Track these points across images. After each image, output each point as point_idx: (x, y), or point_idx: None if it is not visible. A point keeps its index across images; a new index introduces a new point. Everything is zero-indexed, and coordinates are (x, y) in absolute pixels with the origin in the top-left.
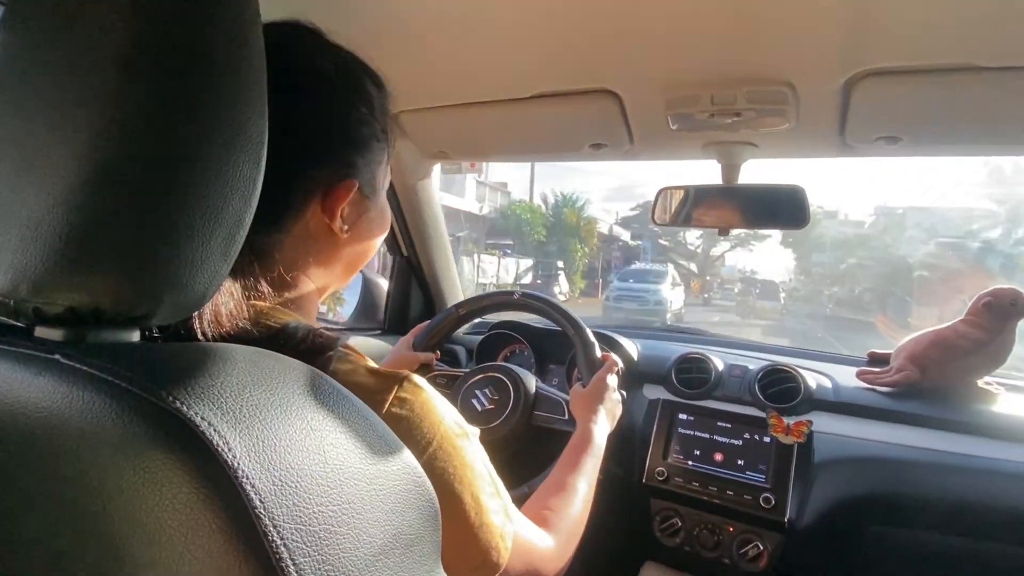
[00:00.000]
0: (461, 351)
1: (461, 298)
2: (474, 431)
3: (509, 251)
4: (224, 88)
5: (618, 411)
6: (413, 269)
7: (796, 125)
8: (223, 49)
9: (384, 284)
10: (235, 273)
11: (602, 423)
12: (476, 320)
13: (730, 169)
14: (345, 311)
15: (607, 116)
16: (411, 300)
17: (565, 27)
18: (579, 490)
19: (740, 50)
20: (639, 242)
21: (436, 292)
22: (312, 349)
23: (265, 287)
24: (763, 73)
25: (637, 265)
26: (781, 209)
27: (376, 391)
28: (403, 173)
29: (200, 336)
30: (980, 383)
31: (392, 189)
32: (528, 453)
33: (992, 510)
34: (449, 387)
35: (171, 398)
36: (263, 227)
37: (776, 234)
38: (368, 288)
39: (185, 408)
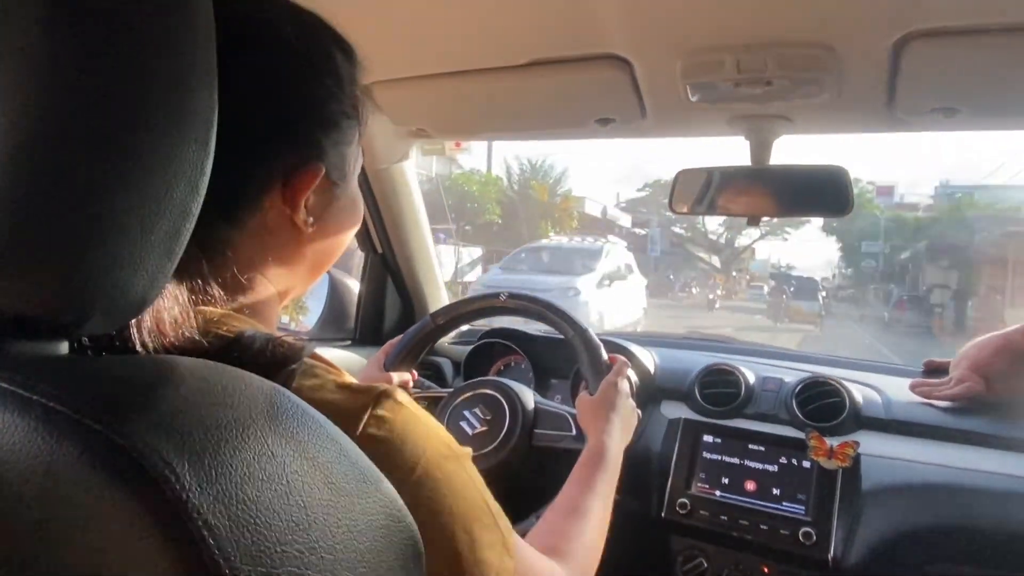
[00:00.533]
0: (446, 364)
1: (447, 302)
2: (466, 452)
3: (444, 236)
4: (164, 54)
5: (634, 420)
6: (389, 269)
7: (837, 95)
8: (162, 6)
9: (355, 286)
10: (180, 274)
11: (616, 434)
12: (463, 328)
13: (760, 147)
14: (309, 320)
15: (615, 86)
16: (386, 305)
17: None
18: (593, 512)
19: (769, 10)
20: (644, 230)
21: (417, 296)
22: (272, 361)
23: (216, 290)
24: (798, 34)
25: (547, 241)
26: (820, 194)
27: (349, 409)
28: (376, 155)
29: (139, 348)
30: None
31: (363, 175)
32: (532, 479)
33: None
34: (431, 411)
35: (107, 420)
36: (213, 220)
37: (816, 220)
38: (336, 291)
39: (124, 432)
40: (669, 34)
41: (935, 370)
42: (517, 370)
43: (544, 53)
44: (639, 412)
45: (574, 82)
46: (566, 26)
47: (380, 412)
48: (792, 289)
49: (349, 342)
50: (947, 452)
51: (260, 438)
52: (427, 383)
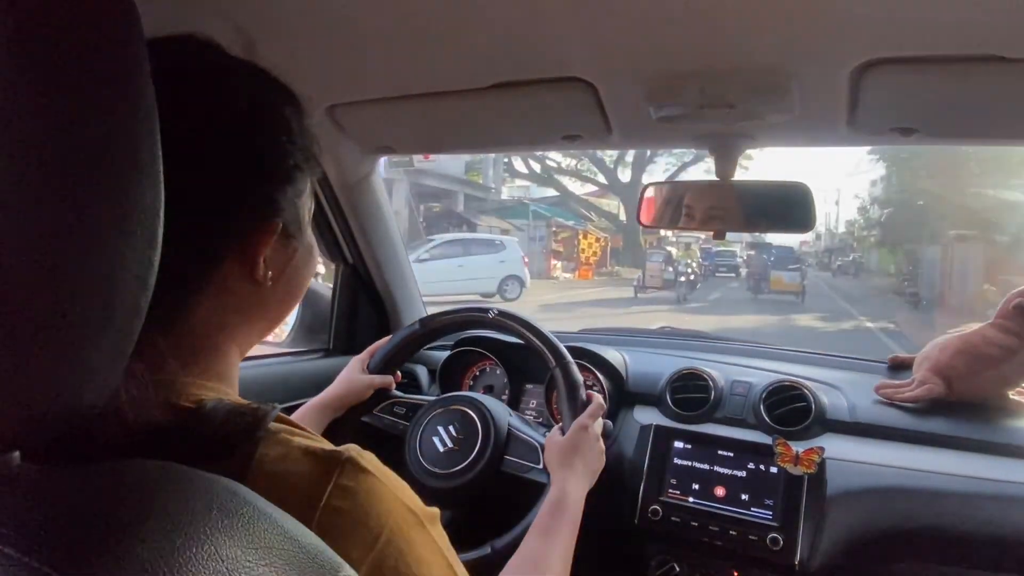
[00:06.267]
0: (422, 371)
1: (424, 313)
2: (433, 513)
3: None
4: (104, 141)
5: (599, 464)
6: (361, 280)
7: (799, 116)
8: (101, 86)
9: (327, 295)
10: (138, 350)
11: (579, 481)
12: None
13: (725, 162)
14: (283, 329)
15: (580, 106)
16: (359, 315)
17: (525, 9)
18: (553, 567)
19: (731, 38)
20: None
21: (391, 306)
22: (235, 432)
23: (173, 364)
24: (758, 63)
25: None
26: (784, 209)
27: (313, 481)
28: (342, 171)
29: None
30: (1012, 395)
31: (330, 189)
32: (494, 504)
33: None
34: (408, 418)
35: (60, 564)
36: (170, 291)
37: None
38: (308, 302)
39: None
40: (632, 60)
41: (900, 366)
42: (492, 375)
43: (508, 76)
44: (610, 424)
45: (539, 103)
46: (530, 51)
47: (344, 482)
48: (771, 260)
49: (323, 353)
50: (909, 454)
51: (210, 545)
52: (403, 393)
